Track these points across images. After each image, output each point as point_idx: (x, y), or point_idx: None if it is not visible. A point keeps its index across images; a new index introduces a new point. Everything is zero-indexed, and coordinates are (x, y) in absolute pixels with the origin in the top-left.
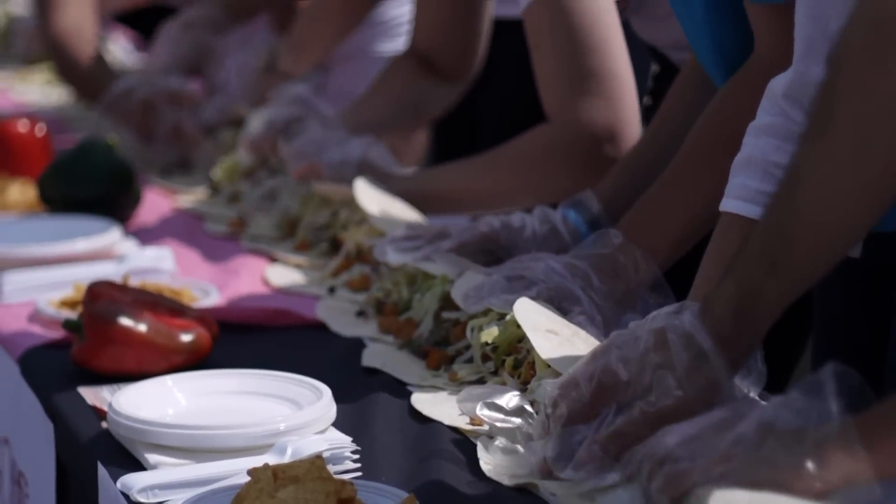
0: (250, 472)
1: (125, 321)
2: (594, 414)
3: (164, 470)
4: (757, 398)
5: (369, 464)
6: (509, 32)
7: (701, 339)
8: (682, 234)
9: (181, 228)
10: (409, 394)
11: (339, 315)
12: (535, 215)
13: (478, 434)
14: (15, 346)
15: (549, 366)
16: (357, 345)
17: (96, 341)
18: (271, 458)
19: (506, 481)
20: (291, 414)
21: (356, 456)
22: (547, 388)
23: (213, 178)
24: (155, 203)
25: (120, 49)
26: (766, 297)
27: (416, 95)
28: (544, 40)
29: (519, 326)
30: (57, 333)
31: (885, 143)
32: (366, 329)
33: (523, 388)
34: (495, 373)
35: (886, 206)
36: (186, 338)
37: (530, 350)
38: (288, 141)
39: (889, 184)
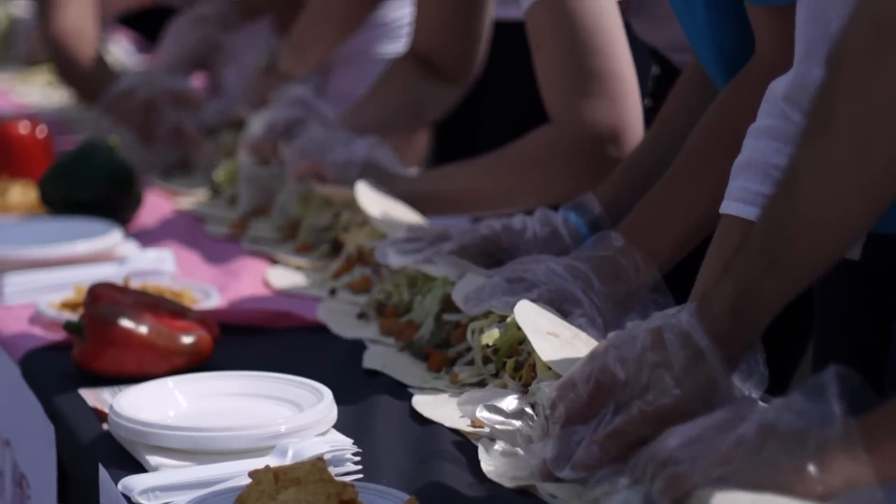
0: (251, 474)
1: (126, 323)
2: (592, 414)
3: (166, 472)
4: (757, 399)
5: (370, 466)
6: (510, 34)
7: (698, 337)
8: (682, 237)
9: (182, 230)
10: (410, 396)
11: (340, 317)
12: (536, 217)
13: (479, 436)
14: (16, 348)
15: (550, 368)
16: (358, 347)
17: (97, 343)
18: (272, 460)
19: (506, 483)
20: (292, 416)
21: (357, 458)
22: (545, 389)
23: (215, 180)
24: (156, 205)
25: (121, 50)
26: (764, 295)
27: (416, 97)
28: (546, 41)
29: (520, 328)
30: (58, 335)
31: (885, 142)
32: (367, 331)
33: (524, 391)
34: (496, 375)
35: (886, 206)
36: (187, 340)
37: (531, 352)
38: (289, 142)
39: (889, 184)
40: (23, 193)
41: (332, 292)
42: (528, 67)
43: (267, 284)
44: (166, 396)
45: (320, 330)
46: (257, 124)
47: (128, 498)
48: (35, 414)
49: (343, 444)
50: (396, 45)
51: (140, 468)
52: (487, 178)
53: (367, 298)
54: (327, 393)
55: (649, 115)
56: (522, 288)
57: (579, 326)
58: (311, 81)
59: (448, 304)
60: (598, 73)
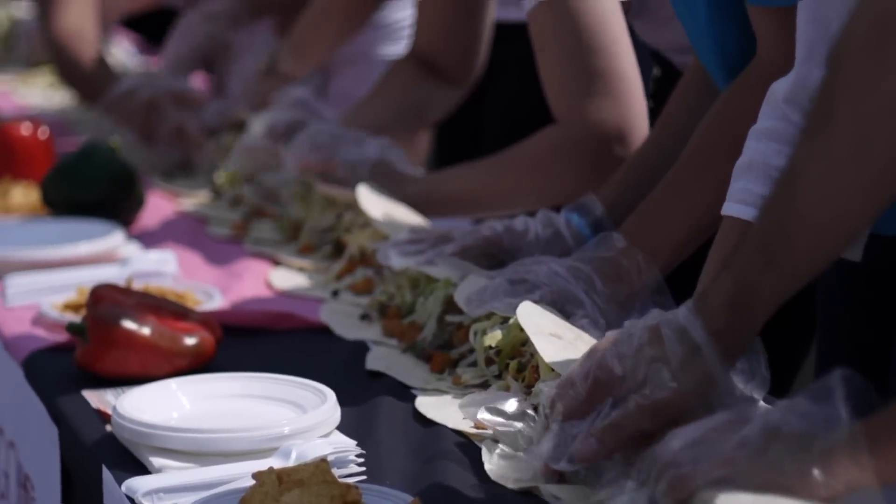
0: (255, 476)
1: (129, 324)
2: (590, 409)
3: (169, 473)
4: (757, 397)
5: (374, 467)
6: (512, 35)
7: (695, 332)
8: (684, 238)
9: (184, 232)
10: (413, 397)
11: (343, 318)
12: (538, 219)
13: (482, 437)
14: (19, 350)
15: (552, 369)
16: (361, 348)
17: (100, 345)
18: (276, 462)
19: (510, 485)
20: (296, 417)
21: (361, 459)
22: (545, 389)
23: (216, 181)
24: (158, 206)
25: (122, 52)
26: (761, 292)
27: (417, 98)
28: (550, 42)
29: (522, 330)
30: (60, 337)
31: (885, 142)
32: (369, 332)
33: (527, 392)
34: (499, 376)
35: (885, 206)
36: (190, 341)
37: (534, 354)
38: (289, 144)
39: (888, 184)
40: (25, 195)
41: (335, 294)
42: (530, 69)
43: (269, 286)
44: (169, 398)
45: (323, 331)
46: (258, 127)
47: (131, 500)
48: (38, 415)
49: (346, 446)
50: (398, 47)
51: (143, 470)
52: (496, 178)
53: (370, 300)
54: (330, 394)
55: (651, 116)
56: (524, 289)
57: (581, 327)
58: (311, 83)
59: (450, 306)
60: (603, 72)
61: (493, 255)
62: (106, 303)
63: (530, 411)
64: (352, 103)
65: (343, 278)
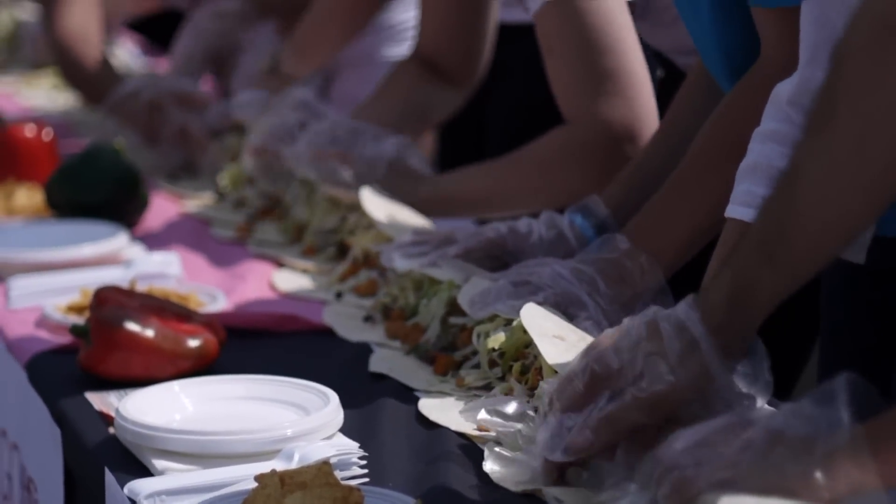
0: (257, 478)
1: (132, 326)
2: (588, 403)
3: (172, 476)
4: (755, 396)
5: (376, 469)
6: (515, 37)
7: (693, 326)
8: (687, 239)
9: (188, 233)
10: (417, 399)
11: (346, 320)
12: (541, 220)
13: (485, 440)
14: (22, 352)
15: (556, 371)
16: (364, 350)
17: (103, 346)
18: (278, 464)
19: (512, 487)
20: (298, 419)
21: (363, 462)
22: (545, 386)
23: (219, 183)
24: (162, 208)
25: (126, 53)
26: (760, 288)
27: (421, 100)
28: (557, 43)
29: (526, 332)
30: (64, 339)
31: (887, 141)
32: (373, 334)
33: (530, 394)
34: (502, 378)
35: (886, 204)
36: (193, 343)
37: (537, 356)
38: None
39: (889, 184)
40: (29, 196)
41: (339, 295)
42: (534, 70)
43: (273, 287)
44: (172, 400)
45: (326, 333)
46: (261, 128)
47: (134, 502)
48: (41, 418)
49: (349, 448)
50: (401, 49)
51: (146, 472)
52: (509, 178)
53: (374, 302)
54: (333, 396)
55: None
56: (528, 291)
57: (585, 329)
58: (313, 83)
59: (454, 308)
60: (611, 72)
61: (496, 257)
62: (109, 305)
63: (530, 412)
64: (355, 105)
65: (347, 280)
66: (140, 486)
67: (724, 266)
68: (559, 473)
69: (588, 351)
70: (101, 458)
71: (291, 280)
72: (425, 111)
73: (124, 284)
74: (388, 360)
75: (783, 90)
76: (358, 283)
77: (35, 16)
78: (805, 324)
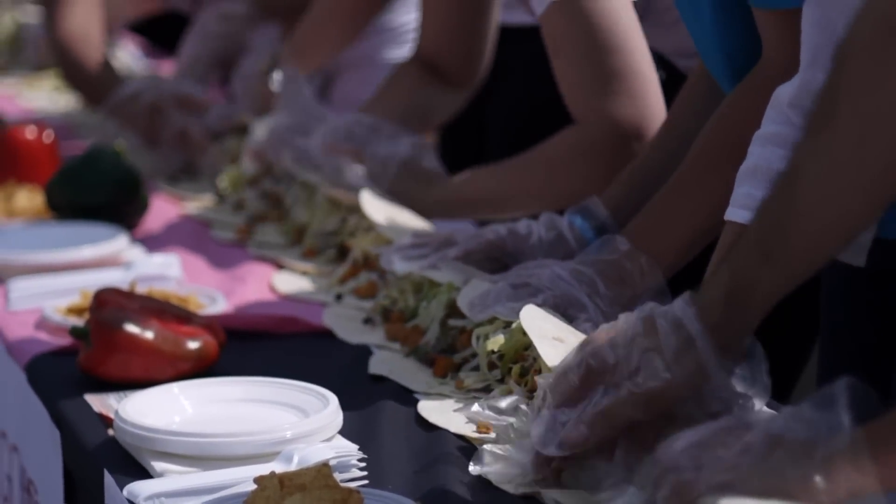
0: (257, 480)
1: (132, 328)
2: (583, 397)
3: (171, 478)
4: (753, 399)
5: (376, 471)
6: (516, 39)
7: (689, 323)
8: (687, 241)
9: (188, 235)
10: (416, 401)
11: (346, 322)
12: (541, 222)
13: (484, 442)
14: (22, 353)
15: None
16: (364, 352)
17: (103, 348)
18: (278, 466)
19: (512, 489)
20: (298, 422)
21: (363, 464)
22: (540, 381)
23: (219, 185)
24: (162, 210)
25: (128, 55)
26: (758, 286)
27: (422, 101)
28: (564, 44)
29: (525, 334)
30: (64, 340)
31: (887, 142)
32: (372, 336)
33: (530, 396)
34: (502, 381)
35: (886, 205)
36: (193, 345)
37: (537, 358)
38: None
39: (889, 184)
40: (29, 198)
41: (338, 297)
42: (534, 72)
43: (273, 289)
44: (172, 402)
45: (326, 335)
46: (261, 130)
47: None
48: (41, 419)
49: (348, 450)
50: (402, 50)
51: (145, 474)
52: (519, 180)
53: (373, 304)
54: (333, 398)
55: None
56: (527, 293)
57: (584, 331)
58: (312, 85)
59: (453, 310)
60: (619, 71)
61: (496, 259)
62: (109, 307)
63: (524, 406)
64: (356, 107)
65: (346, 282)
66: (139, 487)
67: (721, 264)
68: (551, 470)
69: (583, 346)
70: (101, 459)
71: (291, 282)
72: (426, 113)
73: (124, 286)
74: (388, 362)
75: (784, 92)
76: (358, 285)
77: (37, 18)
78: (805, 324)
